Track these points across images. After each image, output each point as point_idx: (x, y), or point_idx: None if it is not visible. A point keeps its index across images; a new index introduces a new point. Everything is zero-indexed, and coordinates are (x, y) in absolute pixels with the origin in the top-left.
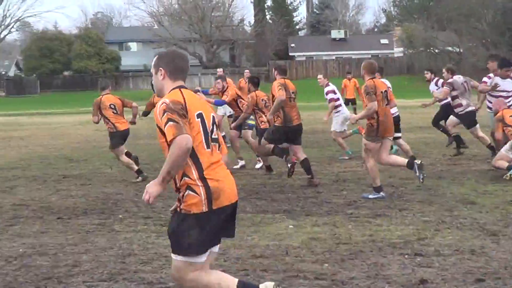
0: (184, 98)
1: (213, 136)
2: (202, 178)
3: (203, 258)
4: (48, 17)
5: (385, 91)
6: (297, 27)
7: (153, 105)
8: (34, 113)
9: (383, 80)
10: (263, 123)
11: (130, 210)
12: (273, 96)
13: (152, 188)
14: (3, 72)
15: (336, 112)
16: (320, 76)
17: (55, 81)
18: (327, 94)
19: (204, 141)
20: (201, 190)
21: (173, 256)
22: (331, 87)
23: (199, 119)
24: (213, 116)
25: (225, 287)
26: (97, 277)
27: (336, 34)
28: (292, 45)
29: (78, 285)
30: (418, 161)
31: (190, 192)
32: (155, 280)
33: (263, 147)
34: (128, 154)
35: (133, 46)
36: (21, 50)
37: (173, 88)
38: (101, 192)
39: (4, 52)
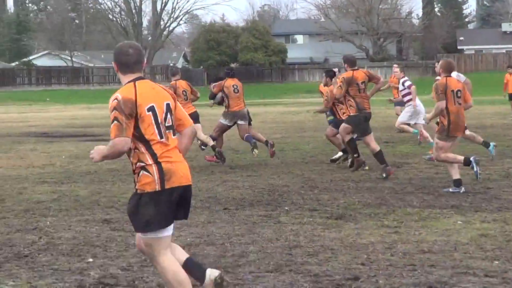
0: (136, 94)
1: (166, 124)
2: (156, 162)
3: (164, 233)
4: (216, 9)
5: (458, 90)
6: (466, 20)
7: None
8: (201, 104)
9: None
10: (344, 114)
11: (296, 202)
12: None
13: (97, 156)
14: (171, 64)
15: (409, 105)
16: (396, 69)
17: (222, 73)
18: (403, 84)
19: (156, 131)
20: (155, 171)
21: (138, 234)
22: (406, 78)
23: (150, 112)
24: (168, 104)
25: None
26: (264, 268)
27: (507, 27)
28: (461, 38)
29: (245, 276)
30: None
31: (145, 172)
32: (321, 273)
33: (336, 138)
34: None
35: (299, 38)
36: (188, 42)
37: (128, 82)
38: (268, 183)
39: (173, 44)
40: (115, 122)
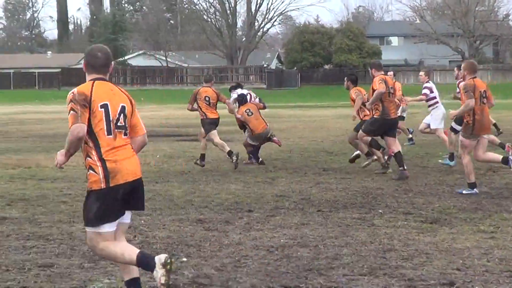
0: (91, 91)
1: (118, 124)
2: (101, 159)
3: (107, 228)
4: (311, 10)
5: (484, 91)
6: None
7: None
8: (295, 105)
9: None
10: (365, 116)
11: (390, 205)
12: (373, 90)
13: (60, 157)
14: (265, 65)
15: (434, 109)
16: (421, 73)
17: (315, 75)
18: (423, 89)
19: (105, 128)
20: (100, 170)
21: (85, 228)
22: (430, 84)
23: (102, 109)
24: (123, 106)
25: (128, 257)
26: (358, 271)
27: None
28: None
29: (338, 278)
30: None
31: (91, 171)
32: (416, 277)
33: (360, 140)
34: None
35: (394, 40)
36: (282, 43)
37: (89, 80)
38: (361, 186)
39: (266, 45)
40: (72, 112)
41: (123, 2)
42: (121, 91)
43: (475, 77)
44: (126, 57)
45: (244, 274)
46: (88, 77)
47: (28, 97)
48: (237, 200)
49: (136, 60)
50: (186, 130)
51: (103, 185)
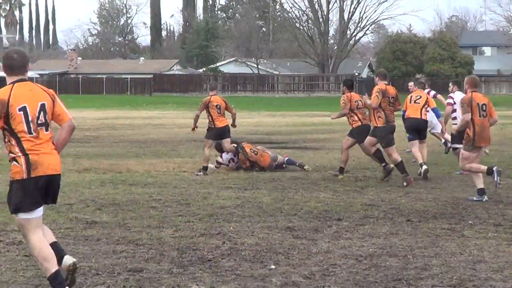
0: (10, 95)
1: (39, 122)
2: (24, 153)
3: (33, 215)
4: (403, 20)
5: (483, 104)
6: None
7: None
8: None
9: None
10: (354, 122)
11: (480, 216)
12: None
13: None
14: (356, 74)
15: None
16: (450, 84)
17: (406, 84)
18: (448, 99)
19: (26, 129)
20: (22, 162)
21: (13, 216)
22: (456, 94)
23: (21, 112)
24: (42, 104)
25: (43, 255)
26: (447, 282)
27: None
28: None
29: None
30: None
31: (15, 162)
32: None
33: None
34: None
35: (487, 50)
36: (374, 52)
37: (10, 83)
38: (451, 196)
39: (358, 53)
40: None
41: (216, 9)
42: (42, 89)
43: (475, 91)
44: (217, 64)
45: (332, 282)
46: (9, 80)
47: (120, 102)
48: (326, 209)
49: (228, 67)
50: (276, 138)
51: (25, 176)
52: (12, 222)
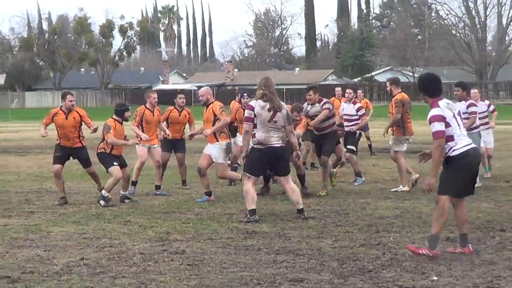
0: None
1: None
2: None
3: None
4: None
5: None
6: None
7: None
8: None
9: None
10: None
11: None
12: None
13: None
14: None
15: (487, 128)
16: (474, 90)
17: None
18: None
19: None
20: None
21: None
22: (480, 102)
23: None
24: None
25: None
26: None
27: None
28: None
29: None
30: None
31: None
32: None
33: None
34: None
35: None
36: None
37: None
38: None
39: None
40: None
41: (370, 18)
42: None
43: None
44: (373, 73)
45: None
46: None
47: None
48: (489, 219)
49: (383, 76)
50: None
51: None
52: (174, 231)
